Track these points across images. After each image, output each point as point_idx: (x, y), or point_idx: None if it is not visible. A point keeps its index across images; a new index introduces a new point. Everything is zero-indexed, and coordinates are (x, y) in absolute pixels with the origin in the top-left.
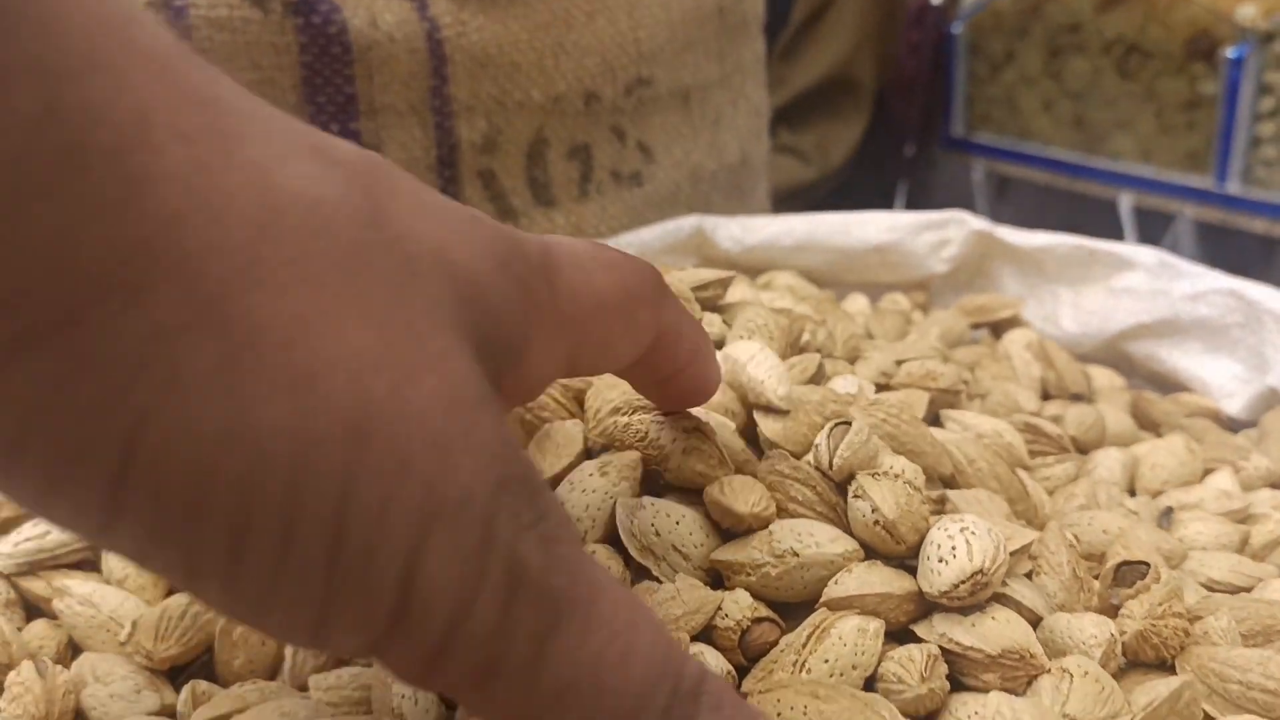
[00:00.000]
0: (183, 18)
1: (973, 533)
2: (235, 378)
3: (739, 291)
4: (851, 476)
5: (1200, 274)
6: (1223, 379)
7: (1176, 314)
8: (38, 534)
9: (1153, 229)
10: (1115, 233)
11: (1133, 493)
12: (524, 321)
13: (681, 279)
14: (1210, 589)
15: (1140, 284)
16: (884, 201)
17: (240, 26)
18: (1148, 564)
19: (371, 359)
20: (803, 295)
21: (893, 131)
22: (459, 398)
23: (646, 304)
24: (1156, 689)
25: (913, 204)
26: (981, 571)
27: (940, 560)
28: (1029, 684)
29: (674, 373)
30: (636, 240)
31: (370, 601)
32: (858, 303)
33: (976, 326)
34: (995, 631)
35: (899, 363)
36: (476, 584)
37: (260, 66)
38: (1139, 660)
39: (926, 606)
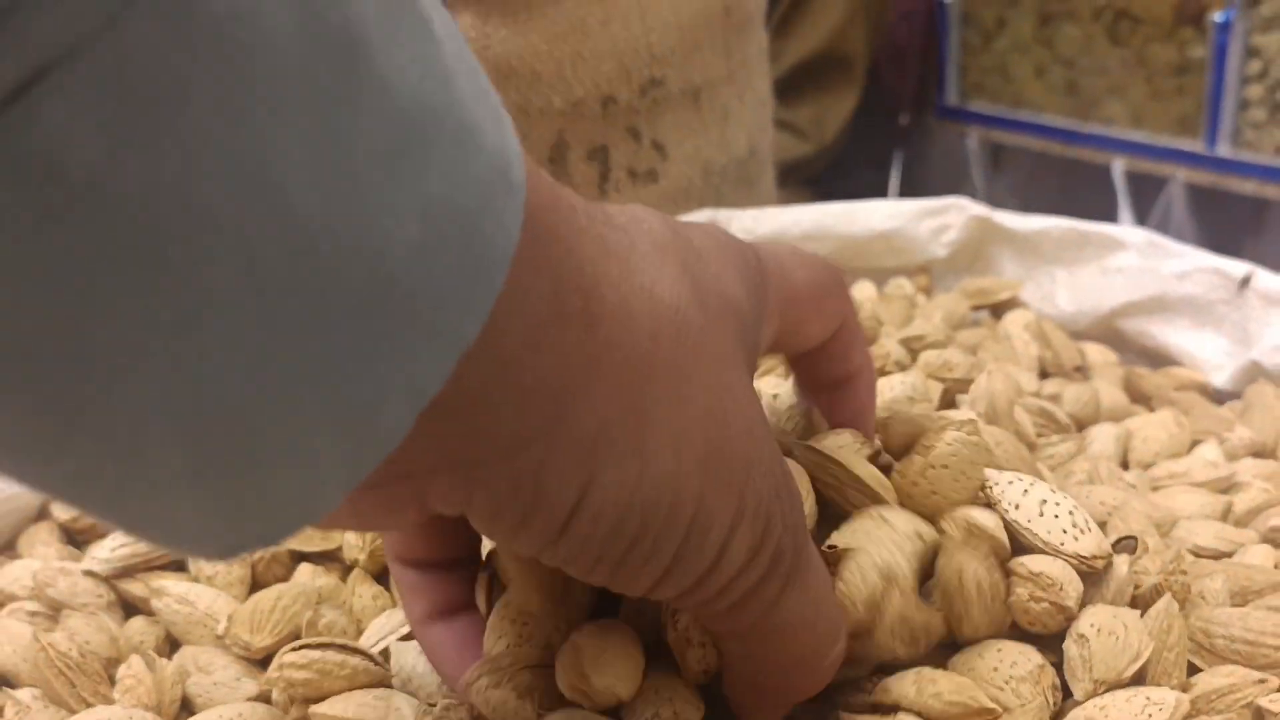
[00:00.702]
0: None
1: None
2: (644, 443)
3: None
4: None
5: (1187, 253)
6: (1210, 353)
7: (1165, 292)
8: (131, 540)
9: (1146, 193)
10: (1109, 198)
11: (1125, 465)
12: (762, 329)
13: None
14: (1196, 554)
15: (1131, 263)
16: (880, 172)
17: None
18: (1135, 537)
19: (712, 414)
20: None
21: (887, 102)
22: (755, 426)
23: (833, 295)
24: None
25: (908, 174)
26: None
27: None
28: None
29: (846, 377)
30: None
31: (698, 566)
32: (865, 290)
33: (977, 308)
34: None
35: (911, 351)
36: (756, 557)
37: None
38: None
39: None
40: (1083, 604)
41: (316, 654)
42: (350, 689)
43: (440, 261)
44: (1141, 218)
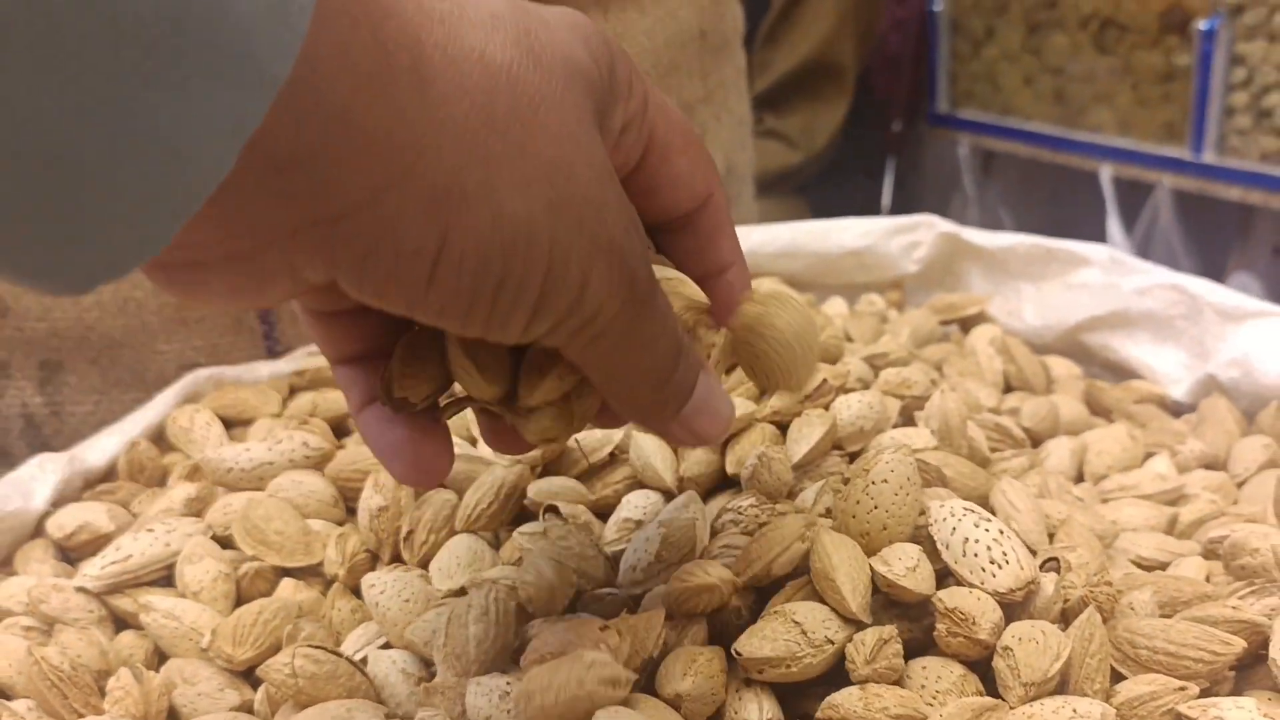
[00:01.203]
0: None
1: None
2: (494, 190)
3: None
4: None
5: (1147, 270)
6: (1169, 366)
7: (1126, 307)
8: (120, 557)
9: (1133, 199)
10: (1098, 203)
11: (1081, 477)
12: (615, 99)
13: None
14: (1139, 565)
15: (1094, 279)
16: (871, 179)
17: None
18: (1057, 558)
19: (556, 162)
20: None
21: (878, 109)
22: (604, 173)
23: (703, 156)
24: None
25: (900, 181)
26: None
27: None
28: None
29: (719, 269)
30: None
31: (562, 302)
32: (836, 305)
33: (946, 323)
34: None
35: (875, 368)
36: (616, 289)
37: None
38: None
39: None
40: (1006, 624)
41: (323, 656)
42: (344, 695)
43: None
44: (1129, 223)
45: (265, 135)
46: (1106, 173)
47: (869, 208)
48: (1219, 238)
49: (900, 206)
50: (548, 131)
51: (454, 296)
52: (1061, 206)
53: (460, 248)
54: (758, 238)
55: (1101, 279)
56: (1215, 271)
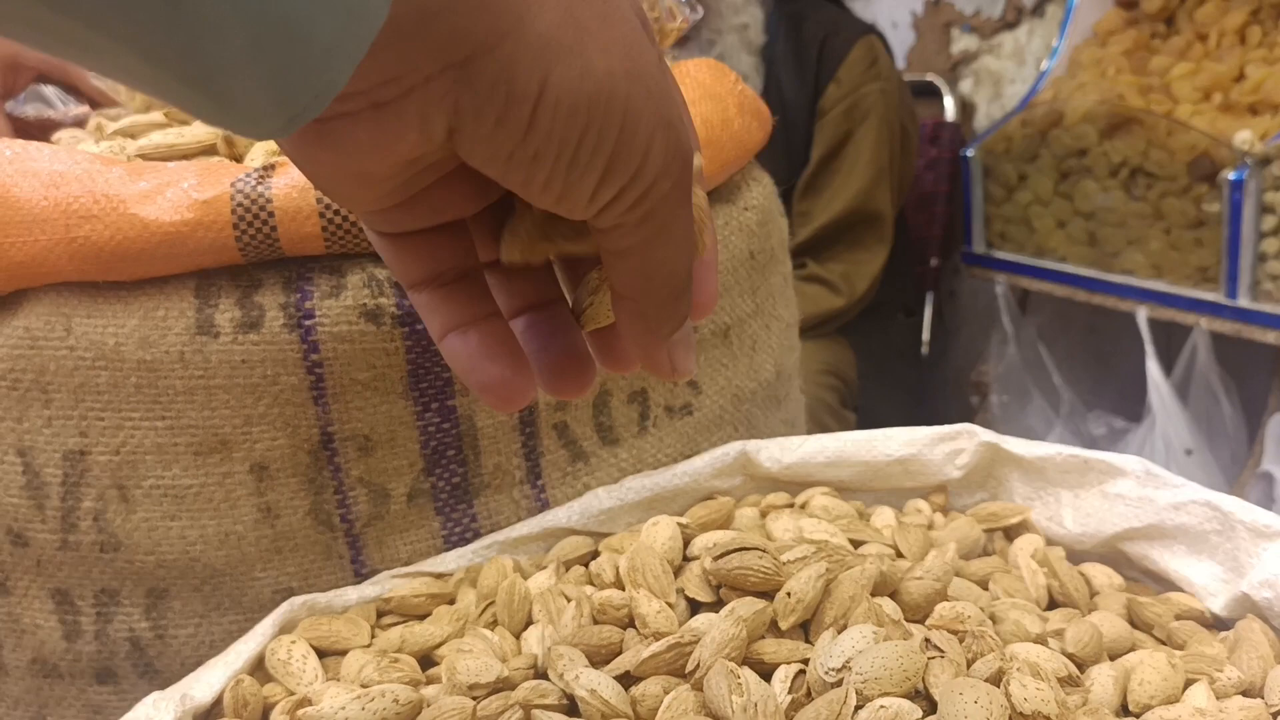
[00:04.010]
0: (311, 334)
1: None
2: (584, 49)
3: (781, 522)
4: None
5: (1180, 484)
6: (1205, 579)
7: (1161, 520)
8: None
9: (1170, 340)
10: (1136, 340)
11: (1125, 706)
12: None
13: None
14: None
15: (1129, 490)
16: (910, 316)
17: (357, 337)
18: None
19: (630, 40)
20: (836, 515)
21: (915, 246)
22: (665, 67)
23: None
24: None
25: (938, 315)
26: None
27: None
28: None
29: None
30: (690, 469)
31: (629, 164)
32: (884, 516)
33: (990, 531)
34: None
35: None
36: (671, 164)
37: (374, 366)
38: None
39: None
40: None
41: None
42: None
43: None
44: (1168, 363)
45: None
46: (1143, 314)
47: (909, 347)
48: (1258, 378)
49: (939, 344)
50: (622, 14)
51: (546, 142)
52: (1099, 343)
53: (555, 94)
54: (808, 448)
55: (1136, 491)
56: (1256, 412)
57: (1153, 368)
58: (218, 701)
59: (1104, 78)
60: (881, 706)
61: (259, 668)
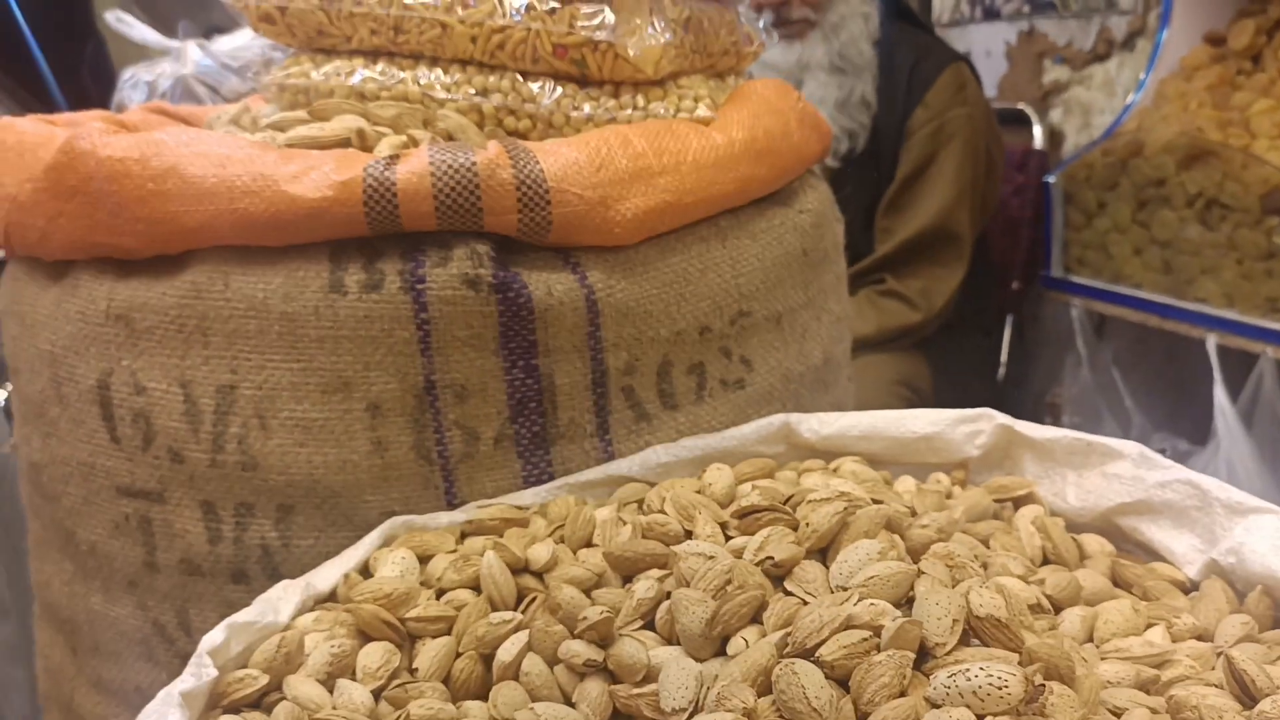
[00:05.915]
0: (421, 296)
1: None
2: None
3: (813, 479)
4: None
5: (1169, 466)
6: (1184, 549)
7: (1150, 497)
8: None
9: (1239, 367)
10: (1206, 367)
11: (1091, 638)
12: None
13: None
14: (1113, 713)
15: (1125, 471)
16: (988, 337)
17: (460, 300)
18: (1045, 686)
19: None
20: (862, 479)
21: (997, 269)
22: None
23: None
24: None
25: (1017, 336)
26: None
27: None
28: None
29: None
30: (738, 434)
31: None
32: (906, 483)
33: (1000, 501)
34: None
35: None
36: None
37: (472, 326)
38: None
39: None
40: None
41: None
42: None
43: None
44: (1235, 390)
45: None
46: (1213, 341)
47: (986, 366)
48: None
49: (1018, 366)
50: None
51: None
52: (1172, 368)
53: None
54: (845, 422)
55: (1131, 471)
56: None
57: (1219, 393)
58: (332, 592)
59: (1186, 111)
60: (871, 604)
61: (365, 570)
